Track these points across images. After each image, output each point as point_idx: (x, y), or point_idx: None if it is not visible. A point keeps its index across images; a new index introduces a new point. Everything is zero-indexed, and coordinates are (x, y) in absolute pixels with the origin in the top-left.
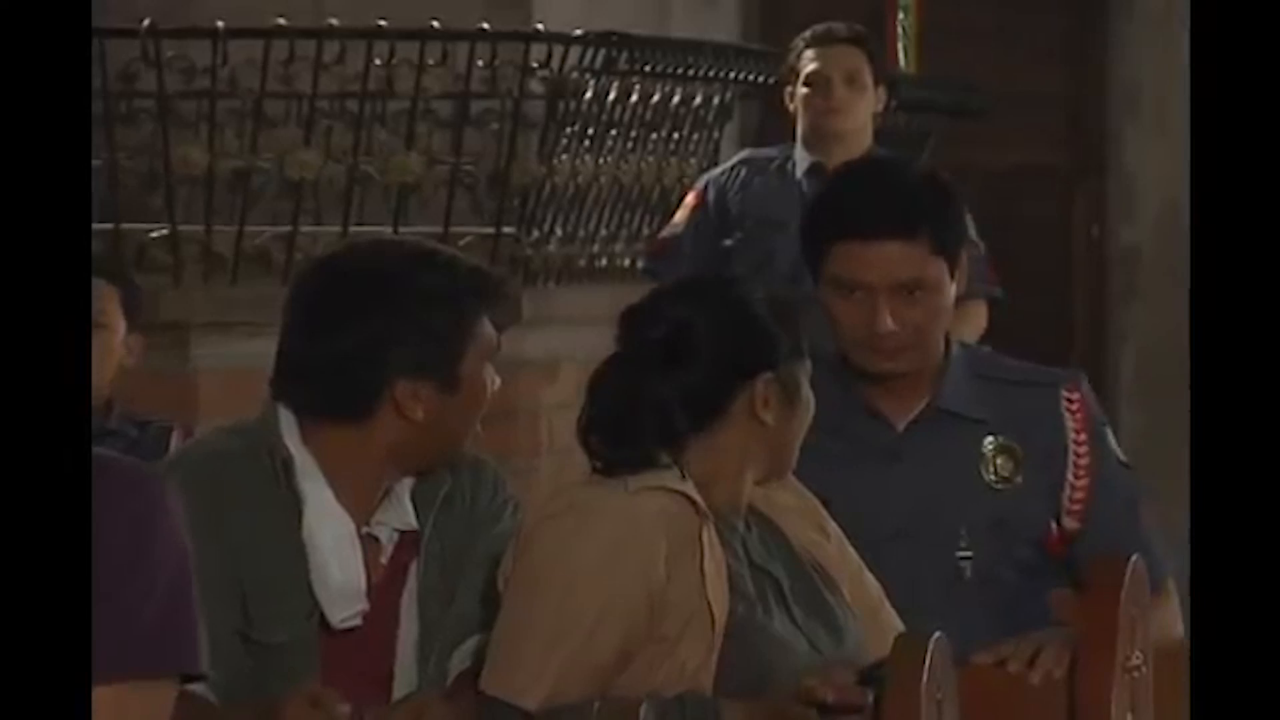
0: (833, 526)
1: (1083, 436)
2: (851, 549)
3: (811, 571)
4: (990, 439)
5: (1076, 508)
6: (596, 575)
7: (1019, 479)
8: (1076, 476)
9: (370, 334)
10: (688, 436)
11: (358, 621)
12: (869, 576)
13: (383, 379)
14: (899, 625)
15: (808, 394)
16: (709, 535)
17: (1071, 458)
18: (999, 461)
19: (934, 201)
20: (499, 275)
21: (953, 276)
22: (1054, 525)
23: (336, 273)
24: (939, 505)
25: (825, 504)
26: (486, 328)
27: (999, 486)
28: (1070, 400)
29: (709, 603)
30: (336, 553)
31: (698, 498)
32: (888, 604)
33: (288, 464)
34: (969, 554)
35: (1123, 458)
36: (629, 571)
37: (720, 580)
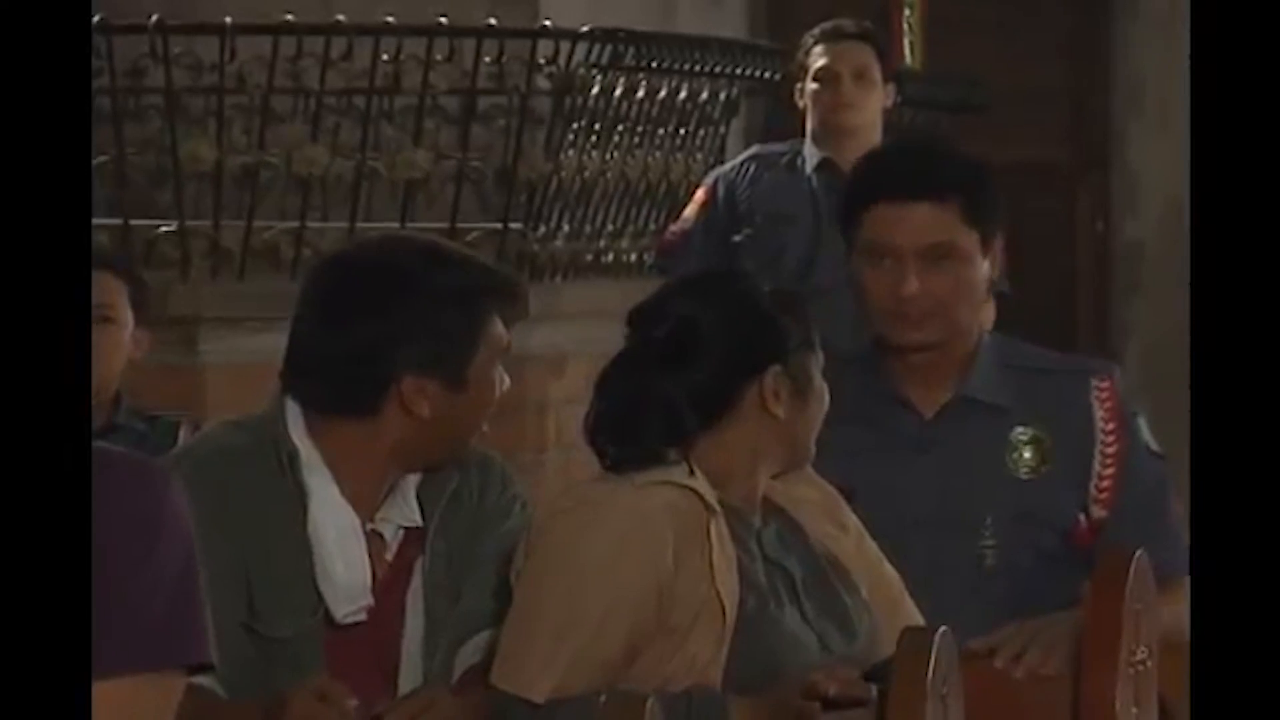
0: (852, 520)
1: (1111, 425)
2: (871, 542)
3: (826, 566)
4: (1019, 429)
5: (1103, 496)
6: (604, 569)
7: (1046, 469)
8: (1104, 465)
9: (379, 330)
10: (696, 434)
11: (362, 617)
12: (888, 569)
13: (389, 375)
14: (918, 618)
15: (820, 385)
16: (717, 529)
17: (1099, 447)
18: (1027, 452)
19: (967, 173)
20: (512, 276)
21: (985, 255)
22: (1082, 517)
23: (349, 268)
24: (965, 495)
25: (852, 494)
26: (498, 328)
27: (1026, 476)
28: (1100, 389)
29: (719, 595)
30: (341, 548)
31: (705, 492)
32: (908, 597)
33: (293, 458)
34: (993, 543)
35: (1155, 447)
36: (636, 565)
37: (730, 573)
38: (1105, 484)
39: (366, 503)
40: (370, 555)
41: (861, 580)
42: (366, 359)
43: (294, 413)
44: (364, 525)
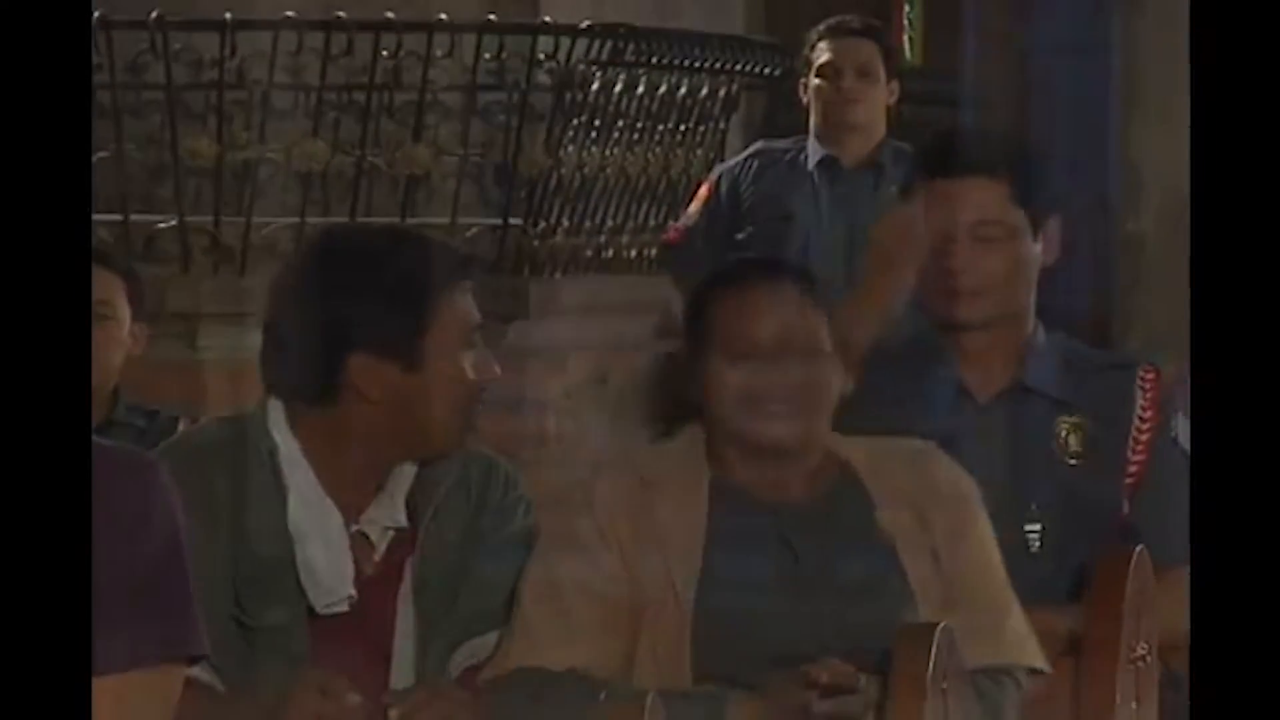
0: (950, 526)
1: (1149, 413)
2: (989, 554)
3: (865, 555)
4: (1065, 417)
5: (1129, 481)
6: (564, 538)
7: (1091, 456)
8: (1134, 451)
9: (324, 312)
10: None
11: (344, 608)
12: (994, 585)
13: (337, 357)
14: (1024, 636)
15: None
16: (668, 498)
17: (1134, 433)
18: (1072, 439)
19: (1020, 154)
20: (467, 252)
21: (1035, 237)
22: (1125, 502)
23: (302, 259)
24: (1012, 481)
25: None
26: (458, 307)
27: (1072, 463)
28: (1145, 378)
29: (668, 565)
30: (321, 540)
31: (644, 465)
32: (1015, 621)
33: (273, 453)
34: (1037, 528)
35: (1182, 443)
36: (591, 532)
37: (688, 546)
38: (1133, 469)
39: (351, 496)
40: (358, 553)
41: (930, 587)
42: (314, 342)
43: (276, 408)
44: (349, 523)
